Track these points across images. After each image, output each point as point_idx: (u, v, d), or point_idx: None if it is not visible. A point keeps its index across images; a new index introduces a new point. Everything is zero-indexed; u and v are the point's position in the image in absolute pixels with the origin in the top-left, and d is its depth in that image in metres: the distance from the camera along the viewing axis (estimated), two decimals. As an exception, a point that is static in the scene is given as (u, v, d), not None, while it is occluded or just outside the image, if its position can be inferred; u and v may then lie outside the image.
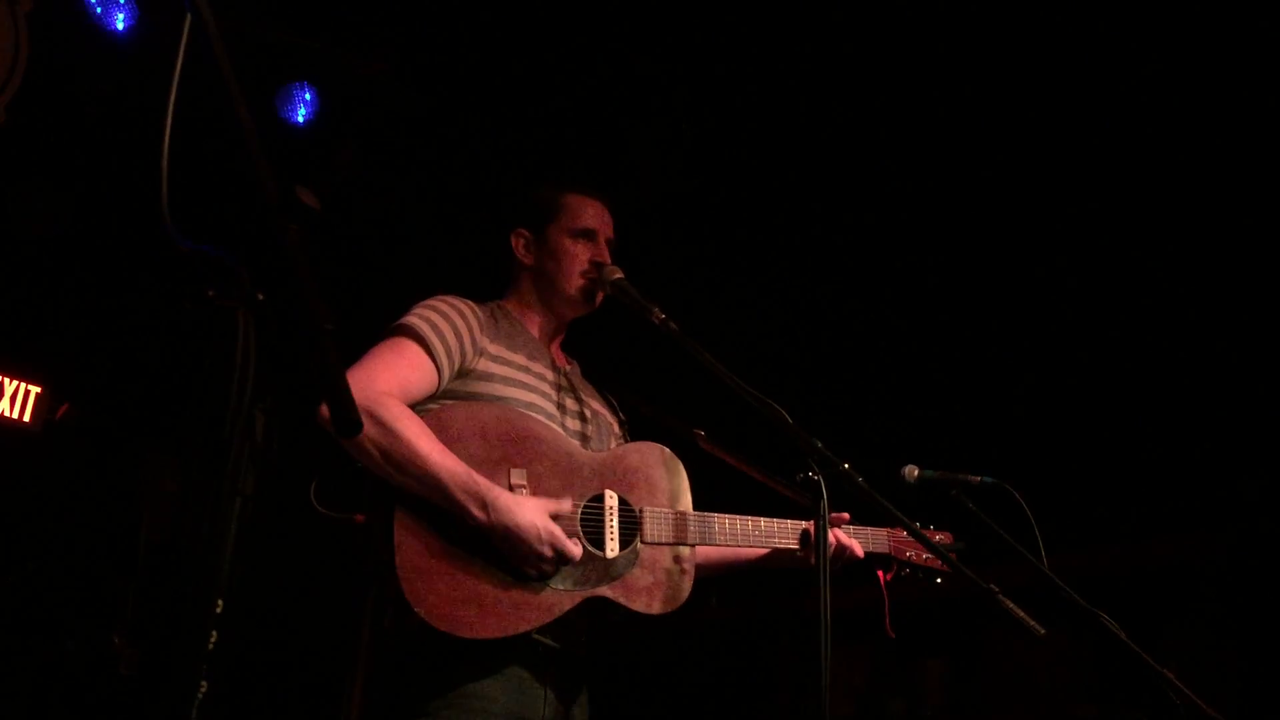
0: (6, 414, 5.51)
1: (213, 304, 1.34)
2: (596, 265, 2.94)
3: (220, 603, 1.28)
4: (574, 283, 2.95)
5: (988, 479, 3.08)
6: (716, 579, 3.08)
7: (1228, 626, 4.55)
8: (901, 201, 5.49)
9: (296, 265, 1.36)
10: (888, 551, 3.07)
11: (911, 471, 3.11)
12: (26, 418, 5.55)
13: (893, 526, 3.02)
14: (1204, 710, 2.60)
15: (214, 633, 1.28)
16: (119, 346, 5.46)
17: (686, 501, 2.83)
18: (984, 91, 5.06)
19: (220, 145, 1.43)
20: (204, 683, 1.26)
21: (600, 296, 2.98)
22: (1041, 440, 5.03)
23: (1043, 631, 2.75)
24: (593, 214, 3.02)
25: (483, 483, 2.50)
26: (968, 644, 5.38)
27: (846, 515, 3.01)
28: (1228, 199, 4.71)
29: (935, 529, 3.13)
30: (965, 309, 5.44)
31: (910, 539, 3.07)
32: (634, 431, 3.14)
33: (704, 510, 2.85)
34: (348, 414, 1.40)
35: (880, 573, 3.03)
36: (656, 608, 2.68)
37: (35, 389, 5.58)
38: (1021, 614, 2.73)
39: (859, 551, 2.98)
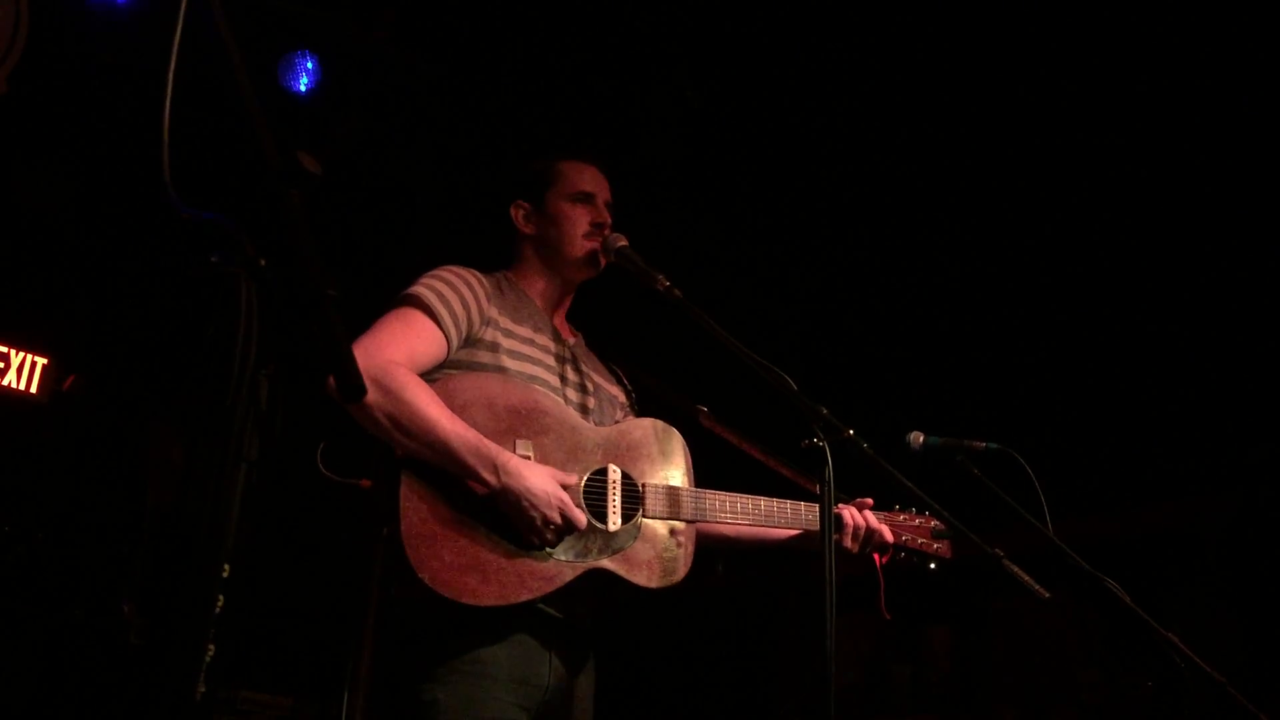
0: (13, 385, 5.53)
1: (215, 270, 1.34)
2: (597, 226, 2.95)
3: (227, 567, 1.29)
4: (577, 245, 2.95)
5: (993, 445, 3.07)
6: (728, 551, 3.09)
7: (1231, 590, 4.57)
8: (906, 169, 5.46)
9: (298, 230, 1.36)
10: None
11: (916, 438, 3.10)
12: (33, 389, 5.57)
13: (897, 493, 3.02)
14: (1208, 673, 2.62)
15: (221, 597, 1.29)
16: (125, 317, 5.46)
17: (686, 478, 2.84)
18: (992, 60, 5.03)
19: (221, 112, 1.43)
20: (211, 646, 1.27)
21: (604, 261, 2.97)
22: (1046, 406, 5.04)
23: (1047, 595, 2.76)
24: (589, 177, 3.03)
25: (493, 447, 2.51)
26: (974, 611, 5.40)
27: (870, 500, 3.01)
28: (1235, 173, 4.70)
29: (930, 514, 3.12)
30: (970, 276, 5.43)
31: (905, 523, 3.09)
32: (641, 404, 3.14)
33: (711, 489, 2.86)
34: (351, 378, 1.40)
35: (876, 556, 3.04)
36: (656, 581, 2.69)
37: (42, 360, 5.60)
38: (1026, 578, 2.74)
39: (889, 537, 3.00)
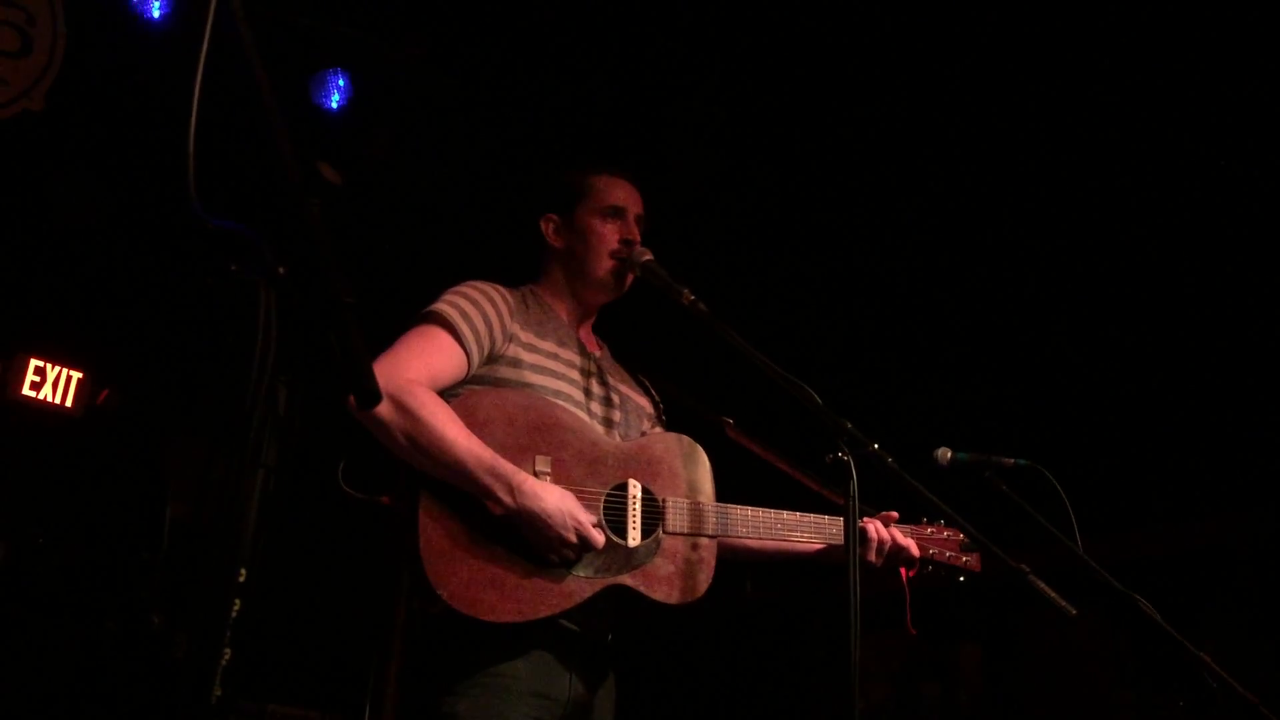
0: (49, 399, 5.60)
1: (235, 279, 1.36)
2: (626, 244, 2.94)
3: (243, 572, 1.30)
4: (604, 264, 2.94)
5: (1021, 461, 3.05)
6: (754, 565, 3.07)
7: (1266, 609, 4.50)
8: (936, 183, 5.45)
9: (317, 240, 1.38)
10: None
11: (944, 454, 3.08)
12: (69, 403, 5.64)
13: (924, 508, 3.00)
14: (1240, 692, 2.58)
15: (237, 601, 1.30)
16: (161, 332, 5.53)
17: (708, 492, 2.83)
18: (1027, 68, 5.00)
19: (244, 122, 1.45)
20: (228, 650, 1.28)
21: (630, 279, 2.97)
22: (1077, 422, 5.00)
23: (1074, 611, 2.73)
24: (621, 192, 3.00)
25: (509, 467, 2.51)
26: (1004, 629, 5.36)
27: (895, 514, 2.99)
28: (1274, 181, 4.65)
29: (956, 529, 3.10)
30: (1000, 291, 5.40)
31: (933, 536, 3.06)
32: (669, 414, 3.14)
33: (735, 501, 2.85)
34: (367, 385, 1.41)
35: (903, 570, 3.02)
36: (676, 597, 2.68)
37: (77, 374, 5.67)
38: (1053, 594, 2.71)
39: (915, 551, 2.98)
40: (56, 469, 5.42)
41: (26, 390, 5.55)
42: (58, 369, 5.63)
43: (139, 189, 5.32)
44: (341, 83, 5.52)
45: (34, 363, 5.59)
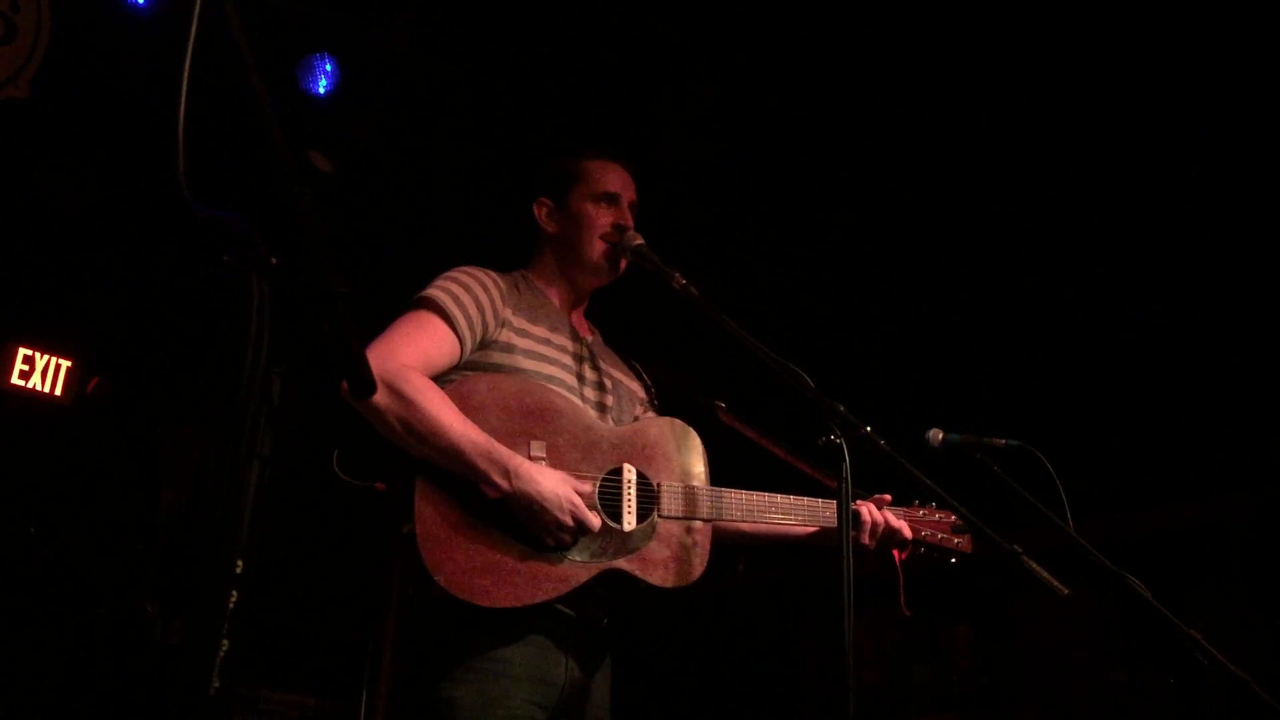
0: (38, 388, 5.57)
1: (227, 269, 1.35)
2: (618, 229, 2.94)
3: (240, 563, 1.30)
4: (596, 248, 2.94)
5: (1013, 442, 3.05)
6: (747, 547, 3.08)
7: (1257, 588, 4.53)
8: (926, 166, 5.44)
9: (309, 228, 1.37)
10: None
11: (936, 435, 3.08)
12: (58, 391, 5.61)
13: (916, 490, 3.01)
14: (1231, 670, 2.59)
15: (234, 592, 1.30)
16: (149, 320, 5.50)
17: (702, 476, 2.84)
18: (1019, 53, 5.00)
19: (235, 112, 1.44)
20: (225, 641, 1.28)
21: (623, 264, 2.97)
22: (1068, 402, 5.01)
23: (1066, 591, 2.74)
24: (614, 177, 3.01)
25: (505, 451, 2.52)
26: (996, 610, 5.38)
27: (888, 496, 3.01)
28: (1264, 170, 4.66)
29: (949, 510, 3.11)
30: (990, 272, 5.40)
31: (925, 518, 3.08)
32: (660, 399, 3.14)
33: (728, 485, 2.85)
34: (361, 375, 1.41)
35: (895, 552, 3.03)
36: (671, 581, 2.69)
37: (66, 363, 5.64)
38: (1044, 574, 2.73)
39: (908, 534, 2.99)
40: (46, 458, 5.39)
41: (15, 379, 5.52)
42: (46, 357, 5.60)
43: (128, 176, 5.29)
44: (329, 67, 5.49)
45: (22, 351, 5.55)
